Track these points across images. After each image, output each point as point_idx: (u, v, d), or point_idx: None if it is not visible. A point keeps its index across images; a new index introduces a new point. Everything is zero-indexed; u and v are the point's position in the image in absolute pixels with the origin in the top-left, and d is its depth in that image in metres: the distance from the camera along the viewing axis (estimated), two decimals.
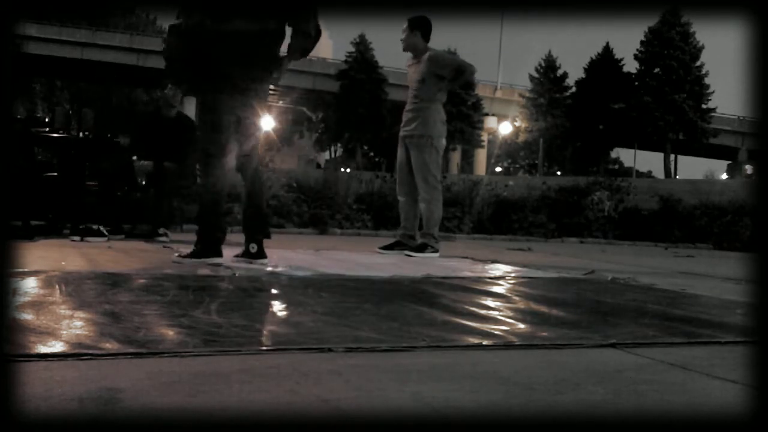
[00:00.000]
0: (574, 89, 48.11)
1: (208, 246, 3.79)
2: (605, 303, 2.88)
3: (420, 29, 5.30)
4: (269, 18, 3.77)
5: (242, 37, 3.72)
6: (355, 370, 1.55)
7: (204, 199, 3.90)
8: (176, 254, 3.87)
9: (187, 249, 3.90)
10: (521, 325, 2.22)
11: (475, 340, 1.93)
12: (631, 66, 46.75)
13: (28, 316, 1.92)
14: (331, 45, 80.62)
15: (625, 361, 1.80)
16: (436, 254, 5.12)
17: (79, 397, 1.23)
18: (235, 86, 3.75)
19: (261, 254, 3.84)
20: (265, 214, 4.01)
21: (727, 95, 44.05)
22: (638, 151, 51.43)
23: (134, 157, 5.73)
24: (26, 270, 2.93)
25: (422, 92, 5.26)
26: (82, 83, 53.17)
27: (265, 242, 3.92)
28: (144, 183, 5.64)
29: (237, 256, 3.85)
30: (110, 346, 1.63)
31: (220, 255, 3.79)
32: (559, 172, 48.62)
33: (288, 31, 3.85)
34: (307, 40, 3.80)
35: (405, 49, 5.38)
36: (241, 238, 3.95)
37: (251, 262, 3.77)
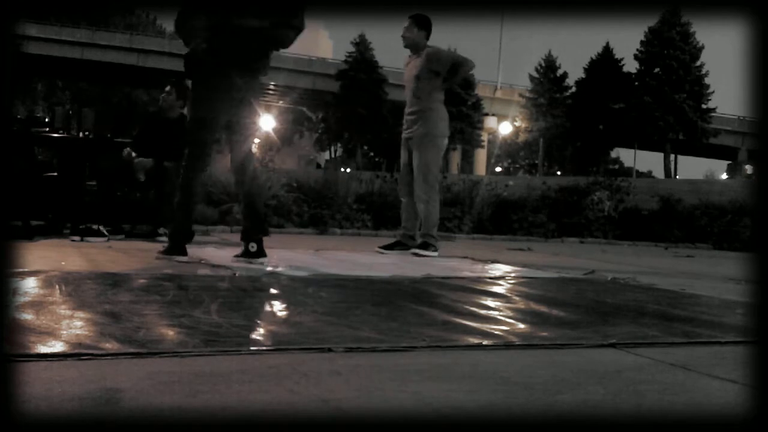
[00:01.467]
0: (574, 89, 48.11)
1: (175, 244, 3.83)
2: (605, 303, 2.88)
3: (422, 26, 5.31)
4: (263, 15, 3.76)
5: (239, 36, 3.71)
6: (355, 370, 1.55)
7: (178, 197, 3.90)
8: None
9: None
10: (521, 325, 2.22)
11: (475, 340, 1.93)
12: (631, 66, 46.81)
13: (28, 316, 1.92)
14: (331, 45, 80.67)
15: (625, 361, 1.79)
16: (436, 254, 5.12)
17: (79, 397, 1.23)
18: (232, 85, 3.75)
19: (261, 253, 3.84)
20: (262, 212, 4.01)
21: (727, 95, 44.10)
22: (638, 151, 51.45)
23: (133, 154, 5.71)
24: (26, 270, 2.93)
25: (419, 90, 5.26)
26: (82, 83, 53.18)
27: (266, 242, 3.92)
28: (143, 180, 5.62)
29: (237, 256, 3.85)
30: (110, 346, 1.63)
31: (184, 254, 3.82)
32: (559, 172, 48.61)
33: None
34: (294, 33, 3.80)
35: (406, 46, 5.38)
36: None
37: (251, 262, 3.77)
